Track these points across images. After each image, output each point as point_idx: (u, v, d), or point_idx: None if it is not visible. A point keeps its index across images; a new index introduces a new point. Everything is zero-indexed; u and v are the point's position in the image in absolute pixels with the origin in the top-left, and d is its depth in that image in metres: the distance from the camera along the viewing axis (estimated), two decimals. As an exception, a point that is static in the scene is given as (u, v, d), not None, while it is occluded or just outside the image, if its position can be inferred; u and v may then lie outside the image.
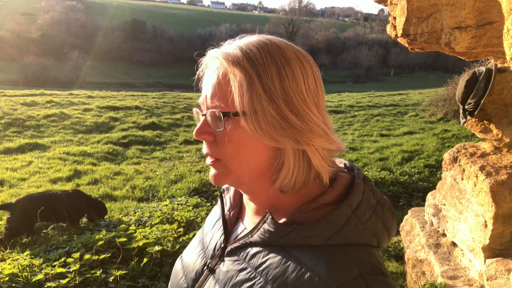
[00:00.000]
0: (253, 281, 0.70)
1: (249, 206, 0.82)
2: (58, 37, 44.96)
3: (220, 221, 0.87)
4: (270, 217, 0.72)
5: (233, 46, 0.73)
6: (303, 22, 65.67)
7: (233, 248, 0.78)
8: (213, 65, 0.74)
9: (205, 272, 0.82)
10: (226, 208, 0.89)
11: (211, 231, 0.89)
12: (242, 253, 0.75)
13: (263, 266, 0.70)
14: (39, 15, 49.16)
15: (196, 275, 0.84)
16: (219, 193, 0.93)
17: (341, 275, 0.63)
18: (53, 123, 11.02)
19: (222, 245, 0.82)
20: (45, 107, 12.39)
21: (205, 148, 0.76)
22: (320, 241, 0.67)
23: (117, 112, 12.58)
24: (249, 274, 0.71)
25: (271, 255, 0.70)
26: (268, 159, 0.72)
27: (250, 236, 0.75)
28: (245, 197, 0.83)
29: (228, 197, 0.91)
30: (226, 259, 0.78)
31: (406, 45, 2.59)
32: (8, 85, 27.64)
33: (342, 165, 0.82)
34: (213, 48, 0.76)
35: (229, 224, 0.86)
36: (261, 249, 0.72)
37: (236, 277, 0.73)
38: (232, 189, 0.90)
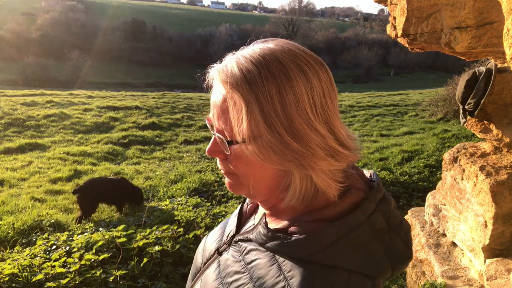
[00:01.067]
0: (241, 275, 0.73)
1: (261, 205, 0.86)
2: (58, 37, 44.95)
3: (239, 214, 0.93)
4: (264, 220, 0.75)
5: (233, 63, 0.69)
6: (303, 22, 65.68)
7: (237, 240, 0.82)
8: (215, 83, 0.72)
9: (215, 254, 0.88)
10: (247, 201, 0.94)
11: (233, 219, 0.94)
12: (242, 246, 0.79)
13: (253, 264, 0.72)
14: (39, 15, 49.15)
15: (209, 255, 0.90)
16: None
17: None
18: (53, 123, 11.02)
19: (232, 234, 0.87)
20: (45, 107, 12.40)
21: (220, 165, 0.78)
22: (303, 255, 0.66)
23: (117, 112, 12.58)
24: (241, 267, 0.74)
25: (262, 255, 0.72)
26: (276, 178, 0.72)
27: (251, 232, 0.78)
28: None
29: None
30: (231, 248, 0.83)
31: (406, 45, 2.59)
32: (8, 85, 27.64)
33: (368, 176, 0.79)
34: (214, 64, 0.74)
35: (244, 217, 0.91)
36: (257, 247, 0.75)
37: (231, 266, 0.77)
38: None
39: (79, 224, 4.57)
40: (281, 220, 0.75)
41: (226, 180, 0.79)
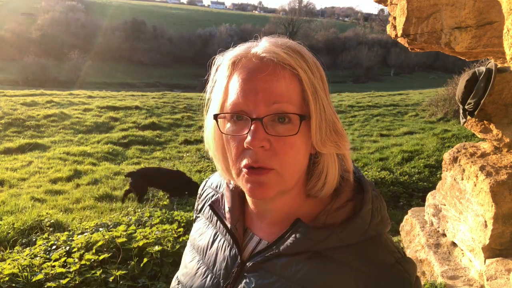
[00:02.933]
0: None
1: (263, 215, 0.77)
2: (58, 37, 44.94)
3: (221, 237, 0.81)
4: (304, 225, 0.70)
5: (280, 44, 0.69)
6: (303, 22, 65.66)
7: (256, 263, 0.73)
8: (255, 62, 0.68)
9: None
10: (228, 222, 0.80)
11: (211, 249, 0.82)
12: (268, 266, 0.71)
13: (299, 274, 0.68)
14: (39, 15, 49.13)
15: None
16: (208, 207, 0.85)
17: (380, 265, 0.67)
18: (53, 123, 11.02)
19: (239, 261, 0.75)
20: (45, 107, 12.40)
21: (252, 158, 0.67)
22: (356, 238, 0.69)
23: (117, 112, 12.58)
24: (283, 285, 0.69)
25: (306, 262, 0.69)
26: (307, 165, 0.73)
27: (274, 247, 0.71)
28: (256, 207, 0.78)
29: (221, 210, 0.83)
30: (249, 275, 0.73)
31: (406, 45, 2.59)
32: (8, 85, 27.63)
33: None
34: (226, 50, 0.75)
35: (238, 237, 0.78)
36: (292, 258, 0.70)
37: None
38: (229, 201, 0.82)
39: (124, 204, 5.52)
40: (306, 221, 0.71)
41: (256, 183, 0.68)
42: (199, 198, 0.97)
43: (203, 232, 0.87)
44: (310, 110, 0.68)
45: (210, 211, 0.85)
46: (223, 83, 0.72)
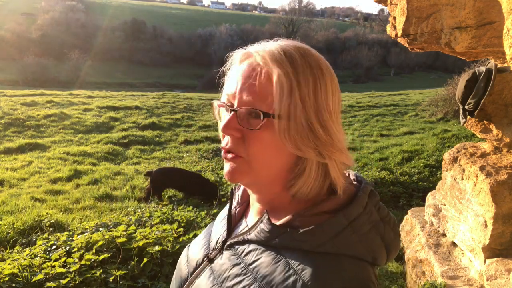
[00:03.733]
0: (244, 277, 0.72)
1: (254, 205, 0.84)
2: (58, 37, 44.93)
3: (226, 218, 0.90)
4: (267, 217, 0.74)
5: (275, 46, 0.73)
6: (303, 22, 65.64)
7: (232, 243, 0.80)
8: (249, 61, 0.74)
9: (204, 261, 0.85)
10: (234, 205, 0.91)
11: (219, 225, 0.92)
12: (239, 249, 0.78)
13: (255, 263, 0.72)
14: (39, 15, 49.12)
15: (197, 264, 0.87)
16: (230, 190, 0.95)
17: (324, 284, 0.64)
18: (53, 123, 11.02)
19: (224, 239, 0.85)
20: (45, 107, 12.40)
21: (226, 143, 0.76)
22: (312, 247, 0.68)
23: (117, 112, 12.58)
24: (241, 269, 0.74)
25: (264, 254, 0.72)
26: (289, 165, 0.74)
27: (248, 233, 0.77)
28: (252, 197, 0.85)
29: (237, 194, 0.93)
30: (224, 252, 0.81)
31: (406, 45, 2.59)
32: (8, 85, 27.63)
33: (353, 177, 0.83)
34: (241, 47, 0.78)
35: (234, 220, 0.88)
36: (257, 247, 0.74)
37: (229, 270, 0.76)
38: (242, 187, 0.92)
39: (145, 204, 5.53)
40: (280, 218, 0.75)
41: (228, 166, 0.76)
42: None
43: (223, 212, 0.97)
44: (280, 111, 0.69)
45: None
46: (226, 76, 0.80)
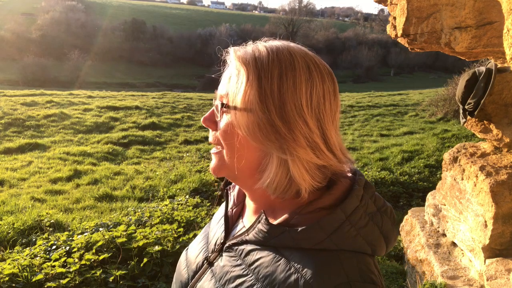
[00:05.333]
0: (245, 278, 0.72)
1: (249, 205, 0.84)
2: (58, 37, 44.92)
3: (223, 218, 0.90)
4: (264, 217, 0.73)
5: (250, 45, 0.77)
6: (303, 22, 65.62)
7: (231, 245, 0.80)
8: (228, 60, 0.78)
9: (204, 265, 0.85)
10: (230, 205, 0.91)
11: (215, 227, 0.92)
12: (238, 250, 0.78)
13: (256, 264, 0.72)
14: (39, 15, 49.10)
15: (197, 267, 0.87)
16: (225, 190, 0.95)
17: (327, 280, 0.64)
18: (53, 123, 11.02)
19: (222, 241, 0.85)
20: (45, 107, 12.39)
21: (210, 137, 0.81)
22: (311, 245, 0.68)
23: (117, 112, 12.58)
24: (242, 270, 0.73)
25: (264, 253, 0.72)
26: (258, 159, 0.74)
27: (246, 234, 0.77)
28: (247, 197, 0.85)
29: (233, 195, 0.93)
30: (224, 254, 0.81)
31: (406, 45, 2.59)
32: (8, 85, 27.64)
33: (347, 169, 0.82)
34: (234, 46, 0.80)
35: (231, 221, 0.88)
36: (256, 247, 0.74)
37: (230, 272, 0.76)
38: (237, 187, 0.92)
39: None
40: (277, 216, 0.75)
41: (212, 163, 0.80)
42: None
43: (219, 212, 0.98)
44: (237, 103, 0.72)
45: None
46: None
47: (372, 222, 0.72)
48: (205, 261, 0.85)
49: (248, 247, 0.76)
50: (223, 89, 0.76)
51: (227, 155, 0.76)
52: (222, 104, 0.75)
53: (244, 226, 0.84)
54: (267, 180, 0.72)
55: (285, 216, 0.73)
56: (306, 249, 0.68)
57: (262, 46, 0.74)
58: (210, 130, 0.80)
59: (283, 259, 0.69)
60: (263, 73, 0.70)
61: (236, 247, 0.78)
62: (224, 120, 0.75)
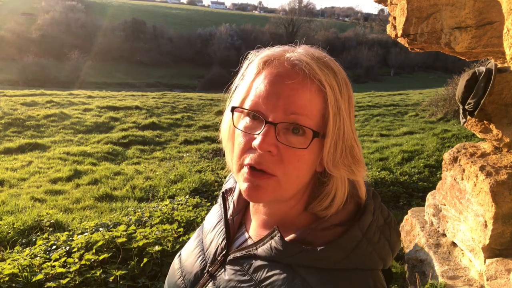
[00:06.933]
0: None
1: (257, 216, 0.79)
2: (58, 37, 44.92)
3: (222, 224, 0.84)
4: (279, 235, 0.69)
5: (314, 53, 0.70)
6: (303, 22, 65.58)
7: (236, 257, 0.75)
8: (284, 68, 0.68)
9: (204, 276, 0.80)
10: (229, 212, 0.85)
11: (211, 233, 0.86)
12: (245, 264, 0.73)
13: (268, 281, 0.67)
14: (39, 15, 49.09)
15: (195, 277, 0.82)
16: (221, 194, 0.89)
17: None
18: (53, 123, 11.02)
19: (224, 252, 0.79)
20: (45, 107, 12.39)
21: (256, 159, 0.67)
22: (330, 265, 0.65)
23: (117, 112, 12.57)
24: (251, 287, 0.69)
25: (276, 271, 0.68)
26: (310, 180, 0.72)
27: (254, 248, 0.72)
28: (256, 208, 0.79)
29: (231, 200, 0.87)
30: (227, 267, 0.76)
31: (406, 45, 2.59)
32: (8, 85, 27.64)
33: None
34: (256, 49, 0.73)
35: (232, 230, 0.82)
36: (266, 263, 0.70)
37: (237, 287, 0.71)
38: (236, 192, 0.86)
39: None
40: (288, 231, 0.71)
41: (253, 184, 0.68)
42: (224, 184, 0.99)
43: (213, 216, 0.91)
44: (328, 129, 0.66)
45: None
46: (249, 79, 0.72)
47: (383, 237, 0.70)
48: (205, 272, 0.80)
49: (258, 262, 0.71)
50: (301, 110, 0.66)
51: (291, 183, 0.68)
52: (316, 133, 0.65)
53: (249, 237, 0.79)
54: (334, 203, 0.70)
55: (299, 233, 0.69)
56: (323, 269, 0.66)
57: (328, 59, 0.69)
58: (263, 154, 0.66)
59: (299, 278, 0.66)
60: (348, 100, 0.69)
61: (243, 261, 0.74)
62: (306, 147, 0.67)
